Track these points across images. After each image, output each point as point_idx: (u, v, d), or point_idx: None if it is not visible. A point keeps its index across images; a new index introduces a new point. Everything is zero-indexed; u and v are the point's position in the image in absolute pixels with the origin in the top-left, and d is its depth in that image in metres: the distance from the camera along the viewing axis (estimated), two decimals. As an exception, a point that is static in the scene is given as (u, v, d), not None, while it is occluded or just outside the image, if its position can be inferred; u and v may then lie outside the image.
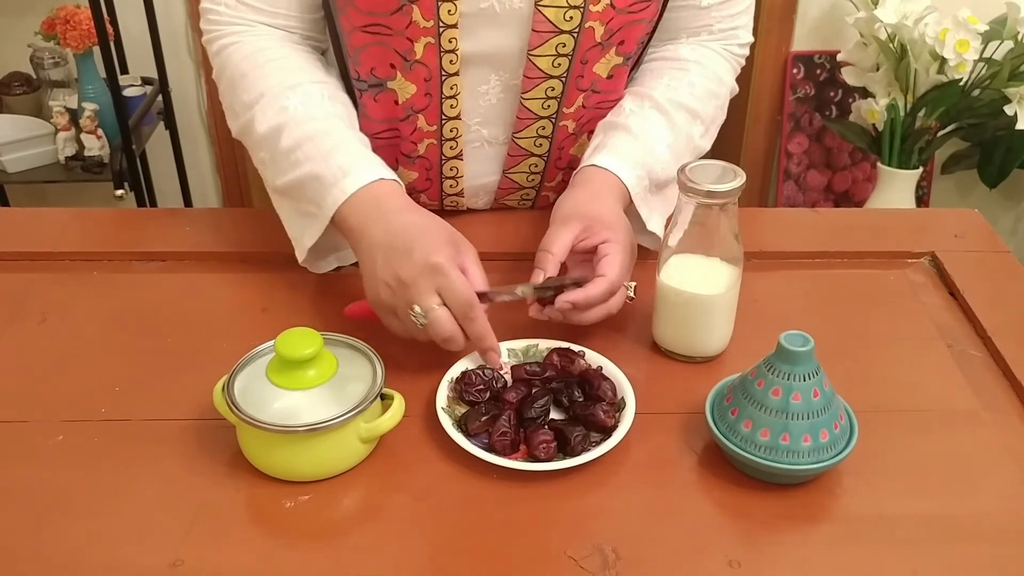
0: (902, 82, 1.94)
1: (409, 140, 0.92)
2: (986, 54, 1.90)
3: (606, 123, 0.93)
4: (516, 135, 0.93)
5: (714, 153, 0.94)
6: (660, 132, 0.90)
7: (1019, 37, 1.89)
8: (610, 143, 0.89)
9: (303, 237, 0.86)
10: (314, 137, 0.83)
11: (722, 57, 0.96)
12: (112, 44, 1.88)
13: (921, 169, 2.05)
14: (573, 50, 0.86)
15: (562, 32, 0.84)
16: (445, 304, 0.74)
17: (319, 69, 0.90)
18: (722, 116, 0.98)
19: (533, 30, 0.84)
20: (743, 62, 1.00)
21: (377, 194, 0.81)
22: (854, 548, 0.63)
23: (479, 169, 0.96)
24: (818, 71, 2.20)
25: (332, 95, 0.87)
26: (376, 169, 0.82)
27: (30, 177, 1.94)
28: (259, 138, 0.85)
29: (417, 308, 0.74)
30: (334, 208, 0.80)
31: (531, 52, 0.86)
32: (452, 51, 0.85)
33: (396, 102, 0.89)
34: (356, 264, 0.83)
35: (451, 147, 0.93)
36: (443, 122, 0.90)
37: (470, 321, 0.74)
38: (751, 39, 0.99)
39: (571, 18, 0.84)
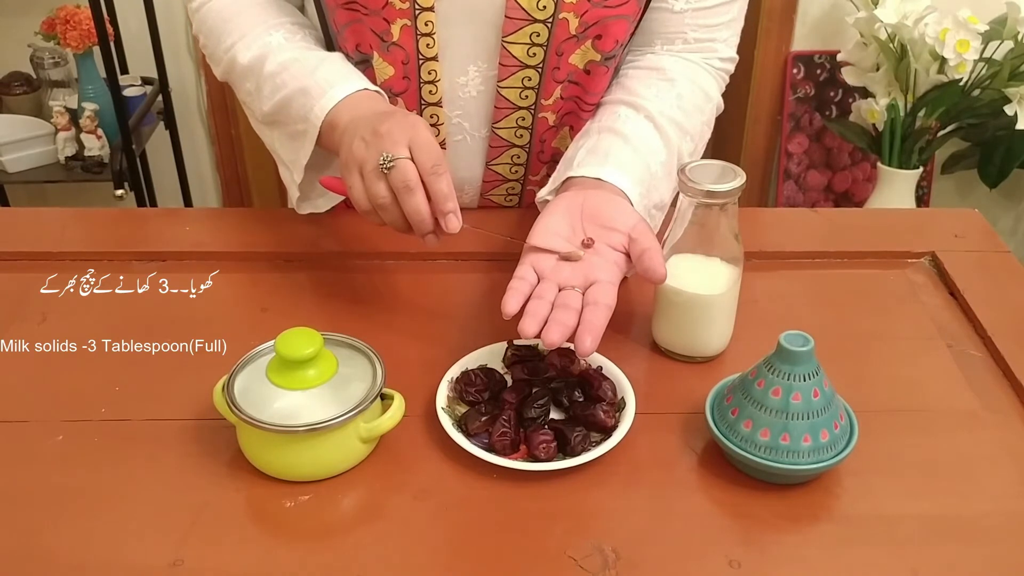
0: (902, 82, 1.94)
1: None
2: (986, 54, 1.90)
3: (604, 128, 0.88)
4: (495, 125, 0.93)
5: (714, 153, 0.93)
6: (656, 147, 0.87)
7: (1019, 37, 1.89)
8: (613, 154, 0.85)
9: (297, 157, 0.87)
10: (298, 59, 0.86)
11: (704, 70, 0.93)
12: (112, 44, 1.88)
13: (921, 169, 2.05)
14: (548, 40, 0.86)
15: (536, 21, 0.85)
16: (413, 160, 0.73)
17: (298, 14, 0.93)
18: (708, 133, 0.95)
19: (506, 16, 0.85)
20: (727, 78, 0.97)
21: (363, 98, 0.83)
22: (854, 548, 0.63)
23: (462, 162, 0.97)
24: (818, 71, 2.20)
25: (312, 33, 0.91)
26: (362, 81, 0.84)
27: (30, 177, 1.94)
28: (243, 69, 0.88)
29: (387, 154, 0.73)
30: (322, 116, 0.82)
31: (505, 39, 0.86)
32: (429, 34, 0.86)
33: (376, 83, 0.90)
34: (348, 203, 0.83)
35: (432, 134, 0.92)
36: (423, 107, 0.91)
37: (436, 176, 0.73)
38: (733, 55, 0.96)
39: (544, 7, 0.84)
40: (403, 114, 0.78)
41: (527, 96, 0.91)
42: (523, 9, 0.84)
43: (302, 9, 0.96)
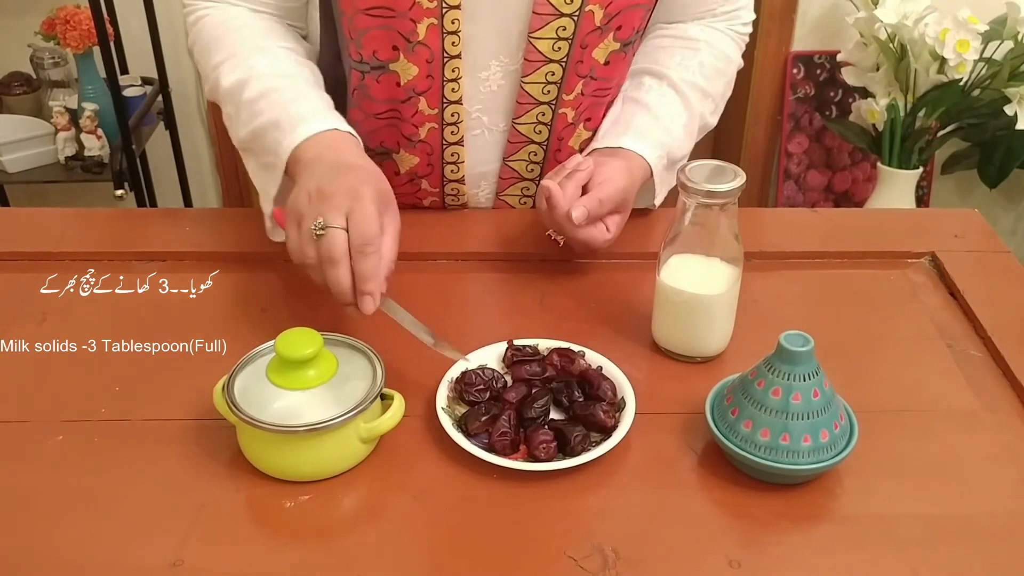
0: (902, 82, 1.93)
1: (410, 123, 0.93)
2: (986, 54, 1.90)
3: (629, 98, 0.97)
4: (516, 120, 0.94)
5: (714, 153, 0.94)
6: (677, 112, 0.95)
7: (1019, 37, 1.89)
8: (635, 123, 0.94)
9: (267, 188, 0.87)
10: (278, 88, 0.86)
11: (728, 37, 1.00)
12: (112, 44, 1.88)
13: (921, 169, 2.05)
14: (573, 34, 0.87)
15: (563, 15, 0.86)
16: (347, 230, 0.73)
17: (289, 38, 0.93)
18: (729, 91, 1.02)
19: (534, 12, 0.86)
20: (747, 39, 1.04)
21: (331, 139, 0.83)
22: (854, 548, 0.63)
23: (480, 157, 0.97)
24: (818, 71, 2.20)
25: (299, 60, 0.91)
26: (333, 120, 0.84)
27: (30, 177, 1.94)
28: (225, 92, 0.88)
29: (320, 220, 0.73)
30: (288, 152, 0.82)
31: (532, 34, 0.87)
32: (454, 32, 0.86)
33: (398, 84, 0.90)
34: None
35: (452, 132, 0.93)
36: (444, 106, 0.91)
37: (362, 256, 0.72)
38: (753, 16, 1.03)
39: (571, 1, 0.85)
40: (355, 178, 0.76)
41: (549, 91, 0.92)
42: (551, 4, 0.85)
43: (304, 19, 0.96)
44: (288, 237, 0.77)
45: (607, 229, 0.87)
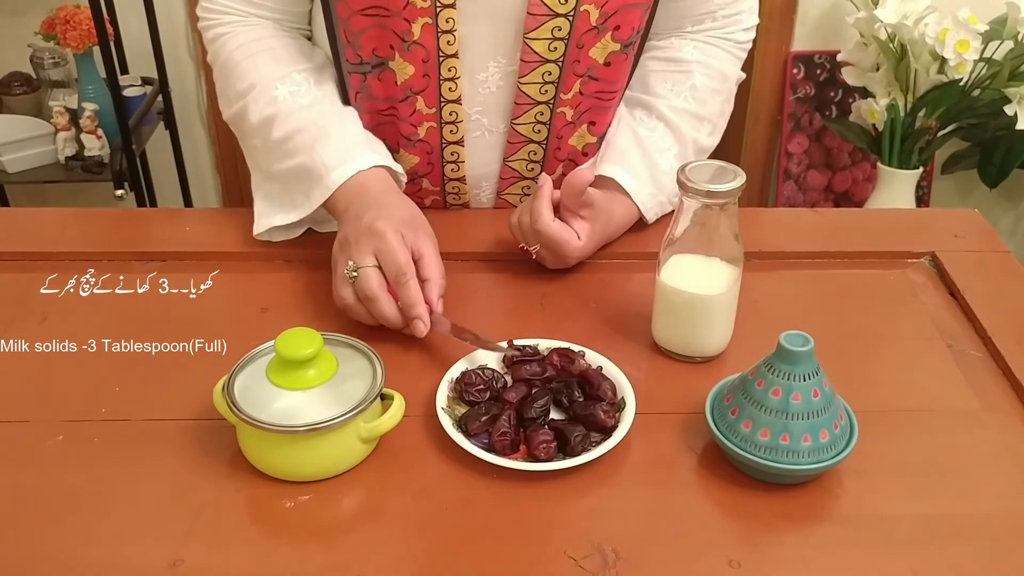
0: (902, 82, 1.94)
1: (408, 122, 0.93)
2: (986, 54, 1.90)
3: (622, 122, 0.97)
4: (515, 121, 0.94)
5: (714, 153, 0.94)
6: (666, 144, 0.94)
7: (1019, 37, 1.89)
8: (627, 161, 0.93)
9: (288, 216, 0.91)
10: (302, 128, 0.88)
11: (724, 51, 0.98)
12: (112, 44, 1.88)
13: (921, 169, 2.05)
14: (569, 34, 0.87)
15: (557, 15, 0.86)
16: (380, 268, 0.78)
17: (306, 57, 0.94)
18: (729, 108, 1.00)
19: (528, 12, 0.86)
20: (749, 46, 1.01)
21: (361, 181, 0.86)
22: (854, 548, 0.63)
23: (480, 159, 0.98)
24: (818, 71, 2.20)
25: (318, 80, 0.92)
26: (357, 161, 0.87)
27: (30, 177, 1.94)
28: (253, 128, 0.91)
29: (351, 264, 0.79)
30: (321, 201, 0.87)
31: (527, 35, 0.87)
32: (450, 31, 0.86)
33: (396, 82, 0.90)
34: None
35: (451, 131, 0.94)
36: (442, 105, 0.92)
37: (401, 286, 0.78)
38: (756, 20, 1.00)
39: (566, 1, 0.85)
40: (375, 215, 0.80)
41: (546, 91, 0.92)
42: (545, 4, 0.85)
43: (309, 20, 0.96)
44: (334, 285, 0.81)
45: (577, 236, 0.86)
